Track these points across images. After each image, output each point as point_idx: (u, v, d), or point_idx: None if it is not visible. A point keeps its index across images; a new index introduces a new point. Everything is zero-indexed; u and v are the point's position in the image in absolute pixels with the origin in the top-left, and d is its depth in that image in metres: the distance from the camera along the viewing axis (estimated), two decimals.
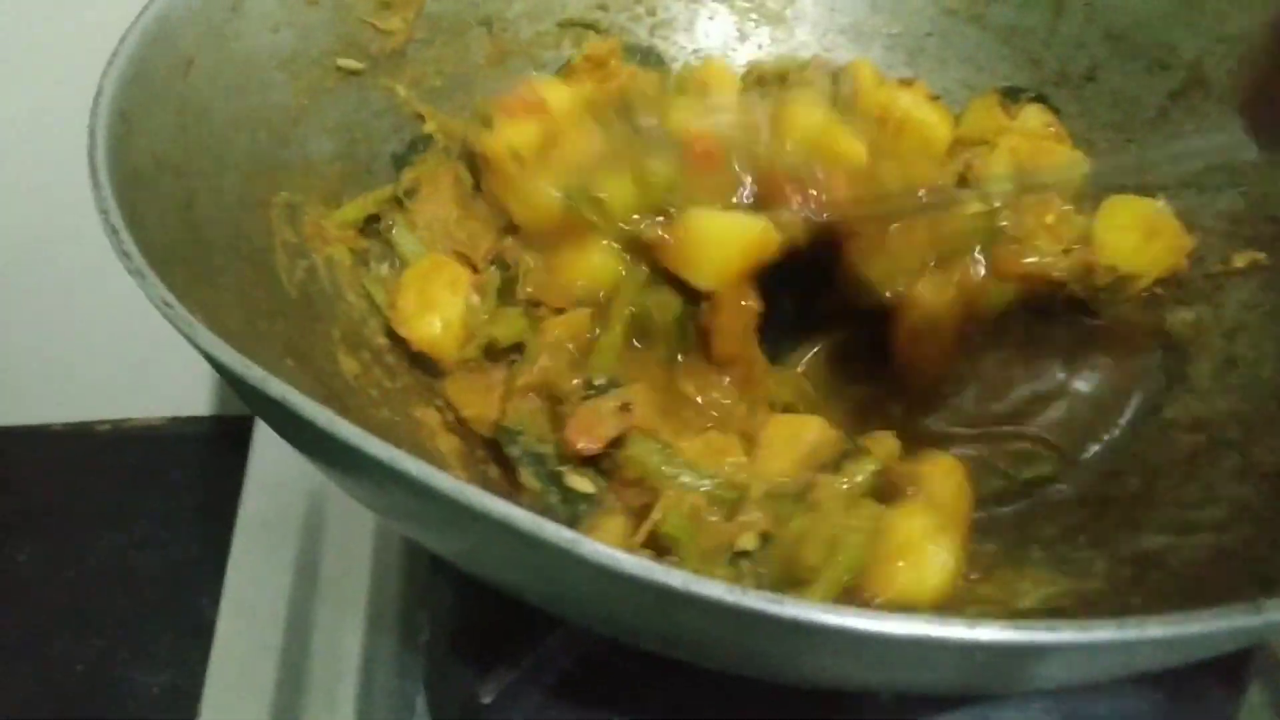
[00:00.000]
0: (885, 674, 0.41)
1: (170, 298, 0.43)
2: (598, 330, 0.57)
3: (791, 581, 0.49)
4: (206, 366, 1.36)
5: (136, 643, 1.08)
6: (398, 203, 0.70)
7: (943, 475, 0.52)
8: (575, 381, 0.53)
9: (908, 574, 0.49)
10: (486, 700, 0.56)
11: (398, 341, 0.66)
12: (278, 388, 0.38)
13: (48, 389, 1.24)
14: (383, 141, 0.75)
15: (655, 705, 0.60)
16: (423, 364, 0.65)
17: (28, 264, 1.11)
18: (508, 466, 0.56)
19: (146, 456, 1.24)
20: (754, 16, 0.88)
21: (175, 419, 1.26)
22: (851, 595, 0.50)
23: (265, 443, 0.79)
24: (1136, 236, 0.69)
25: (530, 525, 0.33)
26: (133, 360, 1.20)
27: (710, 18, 0.87)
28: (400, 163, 0.74)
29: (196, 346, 0.42)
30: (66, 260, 1.10)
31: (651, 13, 0.86)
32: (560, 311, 0.59)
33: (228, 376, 0.42)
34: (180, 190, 0.57)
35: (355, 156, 0.73)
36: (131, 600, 1.10)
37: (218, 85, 0.63)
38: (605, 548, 0.32)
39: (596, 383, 0.52)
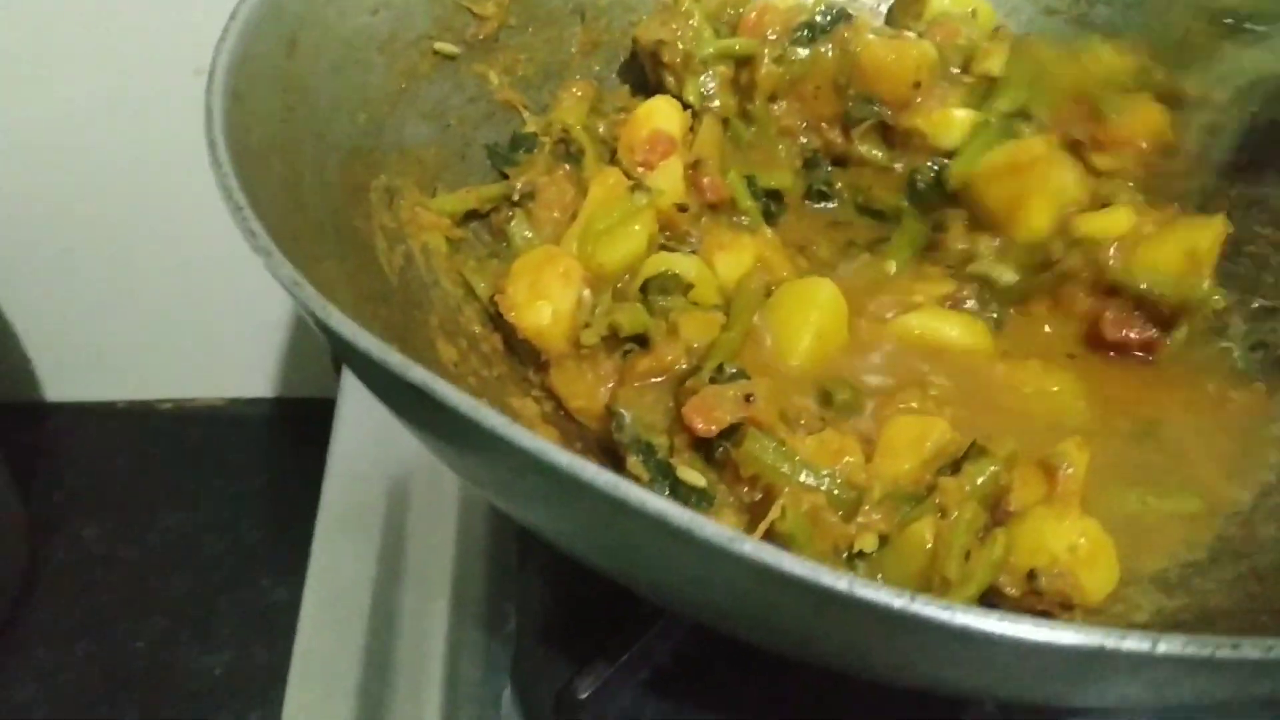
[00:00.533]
0: (1039, 686, 0.40)
1: (299, 277, 0.43)
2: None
3: (915, 584, 0.48)
4: (267, 349, 1.38)
5: (198, 623, 1.08)
6: (511, 202, 0.69)
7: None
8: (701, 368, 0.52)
9: (1083, 576, 0.48)
10: (583, 696, 0.55)
11: (494, 329, 0.65)
12: (419, 375, 0.37)
13: (111, 367, 1.25)
14: (475, 128, 0.75)
15: (750, 702, 0.59)
16: (520, 354, 0.64)
17: (94, 244, 1.11)
18: (611, 459, 0.55)
19: (208, 437, 1.24)
20: None
21: (236, 400, 1.27)
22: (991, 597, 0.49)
23: (347, 429, 0.79)
24: None
25: (687, 522, 0.32)
26: (195, 341, 1.21)
27: None
28: (502, 160, 0.73)
29: (324, 327, 0.42)
30: (132, 240, 1.10)
31: None
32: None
33: (356, 359, 0.41)
34: (288, 171, 0.56)
35: (449, 142, 0.73)
36: (193, 581, 1.10)
37: (319, 66, 0.62)
38: (767, 548, 0.31)
39: (727, 370, 0.51)
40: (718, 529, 0.33)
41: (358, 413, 0.80)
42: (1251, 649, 0.35)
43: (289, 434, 1.19)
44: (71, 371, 1.25)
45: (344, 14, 0.65)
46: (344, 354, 0.43)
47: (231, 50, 0.55)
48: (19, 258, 1.12)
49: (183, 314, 1.18)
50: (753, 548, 0.32)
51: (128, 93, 0.98)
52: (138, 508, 1.18)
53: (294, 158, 0.58)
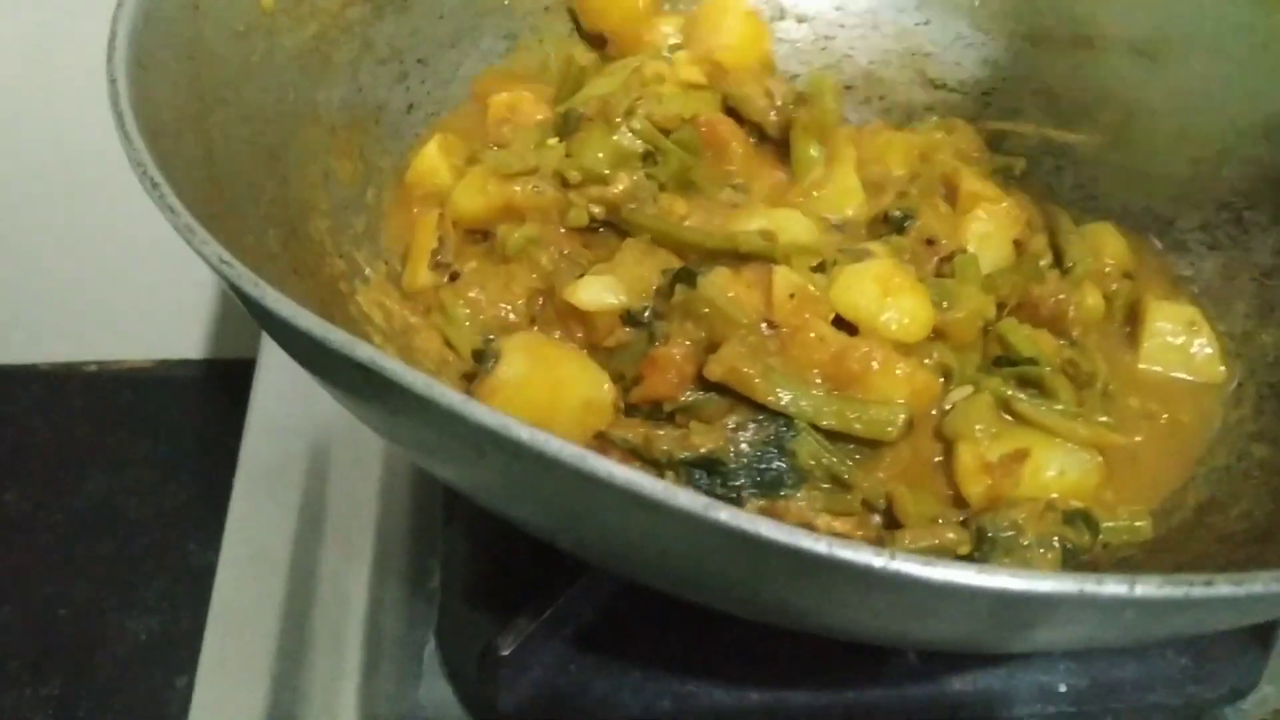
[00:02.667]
0: (1012, 634, 0.42)
1: (228, 255, 0.43)
2: None
3: None
4: (195, 309, 1.36)
5: (124, 587, 1.08)
6: None
7: None
8: None
9: None
10: (505, 652, 0.57)
11: None
12: (365, 351, 0.38)
13: (33, 329, 1.23)
14: (388, 90, 0.74)
15: (675, 657, 0.61)
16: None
17: (15, 204, 1.09)
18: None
19: (135, 399, 1.23)
20: None
21: (164, 361, 1.25)
22: None
23: (267, 388, 0.79)
24: None
25: (660, 493, 0.33)
26: (121, 302, 1.19)
27: None
28: None
29: (256, 305, 0.42)
30: (55, 199, 1.08)
31: None
32: None
33: (290, 337, 0.42)
34: (198, 139, 0.56)
35: (362, 104, 0.72)
36: (119, 544, 1.10)
37: (224, 30, 0.62)
38: (744, 515, 0.33)
39: None
40: (691, 497, 0.34)
41: (278, 369, 0.80)
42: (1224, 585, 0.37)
43: (218, 395, 1.19)
44: None
45: None
46: (275, 331, 0.43)
47: (132, 15, 0.54)
48: None
49: (108, 274, 1.16)
50: (729, 515, 0.33)
51: (40, 51, 0.96)
52: (61, 471, 1.17)
53: (204, 127, 0.57)
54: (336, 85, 0.70)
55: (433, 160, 0.71)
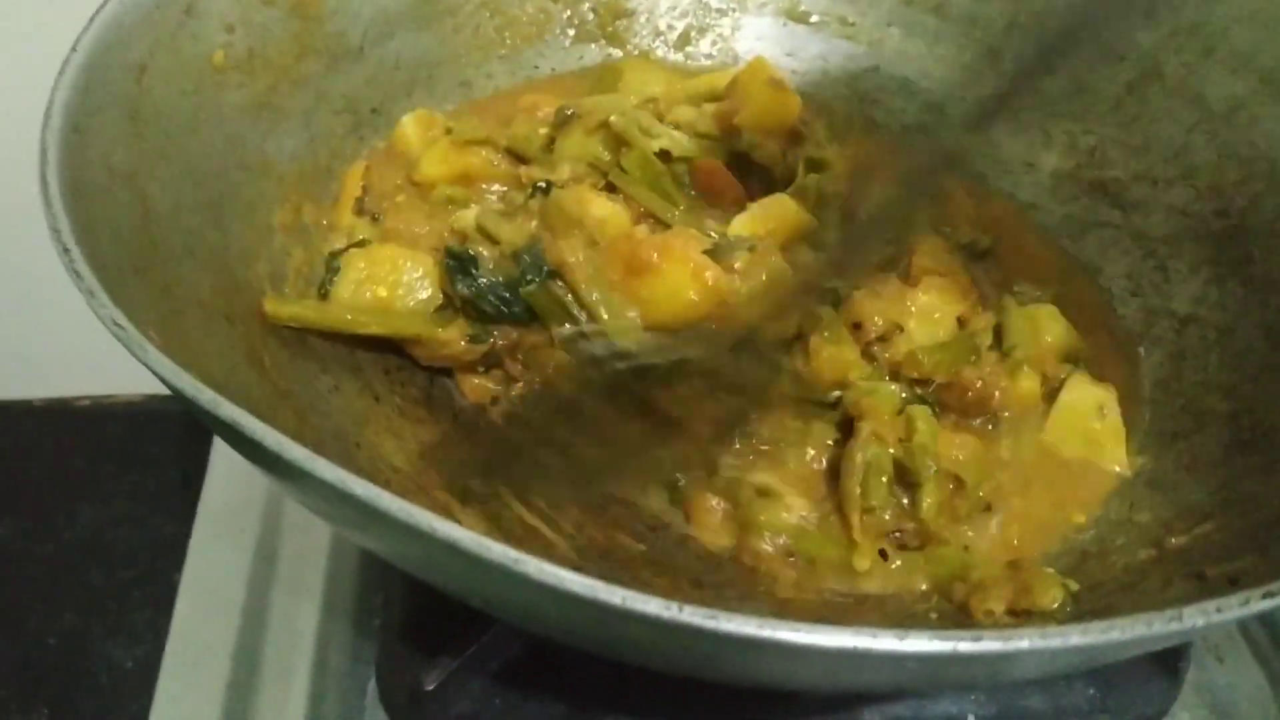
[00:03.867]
0: (830, 679, 0.43)
1: (122, 318, 0.45)
2: None
3: None
4: None
5: (111, 617, 1.10)
6: None
7: None
8: None
9: None
10: (429, 688, 0.59)
11: None
12: (228, 411, 0.40)
13: (28, 365, 1.26)
14: (342, 140, 0.77)
15: (599, 692, 0.62)
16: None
17: (7, 241, 1.12)
18: None
19: (125, 433, 1.25)
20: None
21: (154, 396, 1.28)
22: None
23: None
24: None
25: (474, 546, 0.35)
26: (111, 337, 1.22)
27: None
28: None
29: (149, 367, 0.44)
30: (42, 236, 1.11)
31: None
32: None
33: (178, 396, 0.44)
34: (134, 197, 0.58)
35: (314, 155, 0.75)
36: (107, 575, 1.12)
37: (172, 89, 0.64)
38: (550, 567, 0.35)
39: None
40: (504, 550, 0.37)
41: None
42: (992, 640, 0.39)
43: (204, 429, 1.21)
44: None
45: (197, 37, 0.67)
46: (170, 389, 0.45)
47: (72, 84, 0.56)
48: None
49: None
50: (537, 567, 0.36)
51: (24, 87, 0.99)
52: (53, 504, 1.19)
53: (144, 184, 0.60)
54: (288, 136, 0.73)
55: (406, 131, 0.78)
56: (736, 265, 0.64)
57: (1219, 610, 0.38)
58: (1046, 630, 0.38)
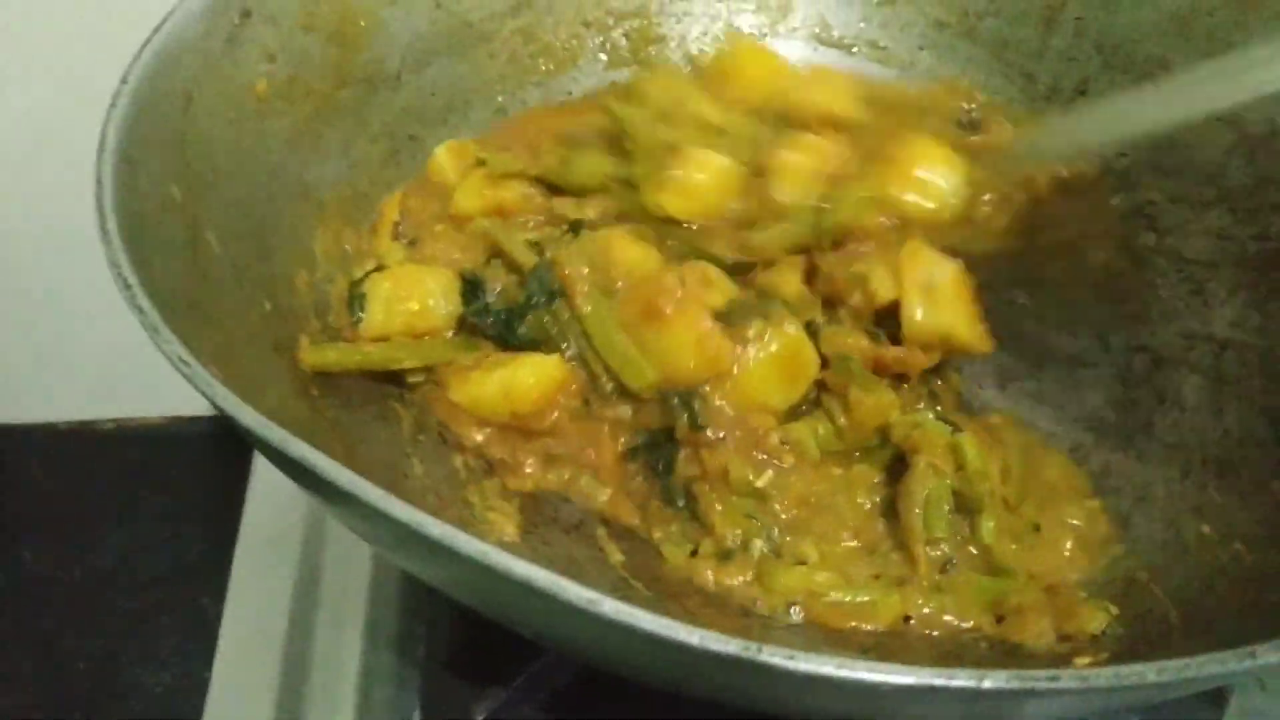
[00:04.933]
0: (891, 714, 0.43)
1: (187, 354, 0.45)
2: None
3: None
4: None
5: (140, 641, 1.10)
6: None
7: None
8: None
9: None
10: (479, 719, 0.58)
11: None
12: (297, 449, 0.40)
13: (51, 388, 1.26)
14: (380, 167, 0.77)
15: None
16: None
17: (30, 264, 1.13)
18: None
19: (148, 455, 1.26)
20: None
21: (176, 418, 1.28)
22: None
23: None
24: None
25: (550, 585, 0.36)
26: (134, 360, 1.22)
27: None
28: None
29: (213, 403, 0.44)
30: (68, 260, 1.12)
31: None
32: None
33: (243, 431, 0.44)
34: (185, 228, 0.59)
35: (353, 181, 0.75)
36: (134, 599, 1.12)
37: (217, 118, 0.65)
38: (626, 607, 0.35)
39: None
40: (579, 591, 0.37)
41: None
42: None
43: (227, 451, 1.21)
44: (12, 394, 1.26)
45: (239, 65, 0.67)
46: (230, 422, 0.46)
47: (124, 115, 0.57)
48: None
49: (122, 334, 1.19)
50: (613, 607, 0.36)
51: (65, 116, 1.00)
52: (79, 528, 1.19)
53: (193, 214, 0.60)
54: (328, 164, 0.73)
55: (440, 161, 0.78)
56: (749, 333, 0.64)
57: None
58: (1120, 669, 0.38)
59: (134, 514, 1.21)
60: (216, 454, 1.26)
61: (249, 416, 0.42)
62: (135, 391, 1.27)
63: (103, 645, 1.10)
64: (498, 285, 0.70)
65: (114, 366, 1.25)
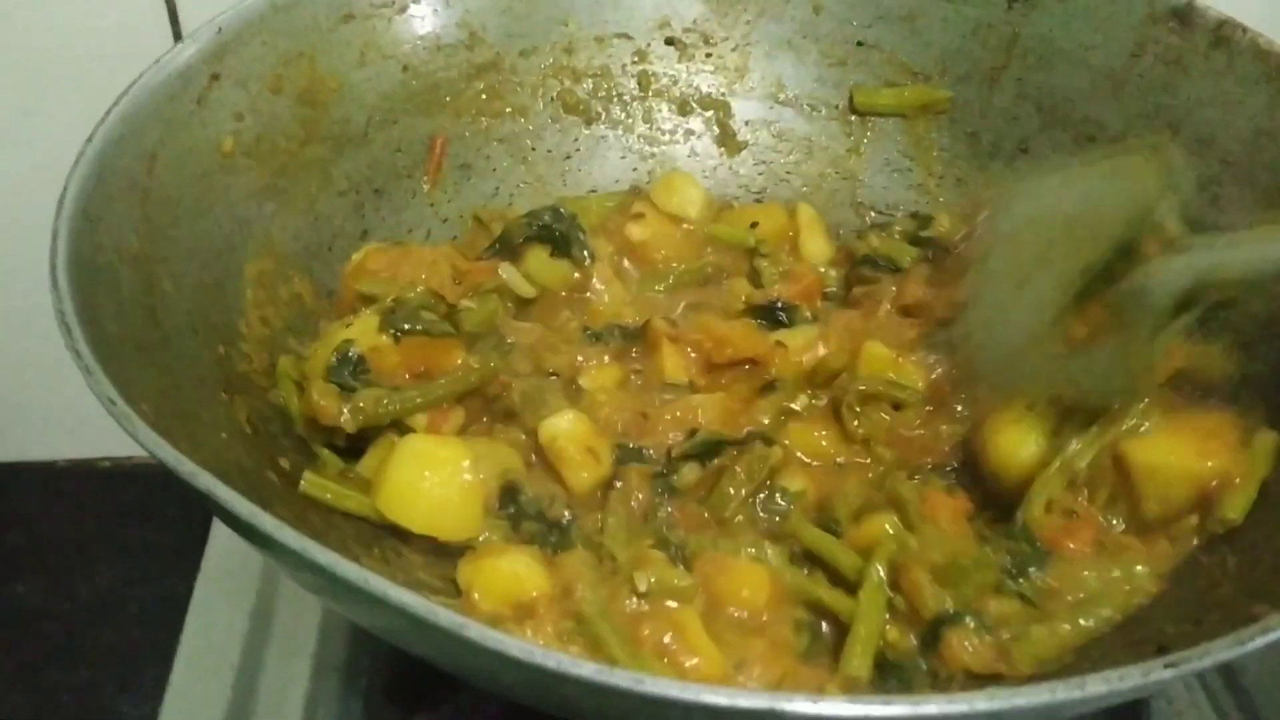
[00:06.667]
0: None
1: (115, 394, 0.49)
2: None
3: None
4: None
5: (122, 674, 1.13)
6: None
7: None
8: None
9: None
10: None
11: None
12: (205, 480, 0.44)
13: (52, 427, 1.30)
14: (344, 220, 0.81)
15: None
16: None
17: (35, 306, 1.17)
18: None
19: (143, 493, 1.29)
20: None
21: None
22: None
23: None
24: None
25: (424, 611, 0.39)
26: None
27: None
28: None
29: (136, 440, 0.48)
30: None
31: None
32: None
33: (162, 466, 0.48)
34: (141, 278, 0.62)
35: (318, 231, 0.79)
36: (120, 633, 1.15)
37: (182, 174, 0.69)
38: (491, 632, 0.38)
39: None
40: (450, 615, 0.40)
41: None
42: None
43: None
44: (13, 431, 1.31)
45: (206, 124, 0.71)
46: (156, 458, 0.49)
47: (84, 175, 0.61)
48: None
49: None
50: (479, 631, 0.39)
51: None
52: (71, 563, 1.23)
53: (151, 266, 0.64)
54: (293, 217, 0.77)
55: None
56: None
57: (1120, 679, 0.41)
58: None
59: (125, 550, 1.24)
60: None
61: (165, 452, 0.46)
62: None
63: (87, 677, 1.12)
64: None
65: None
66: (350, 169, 0.82)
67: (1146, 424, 0.66)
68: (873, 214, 0.91)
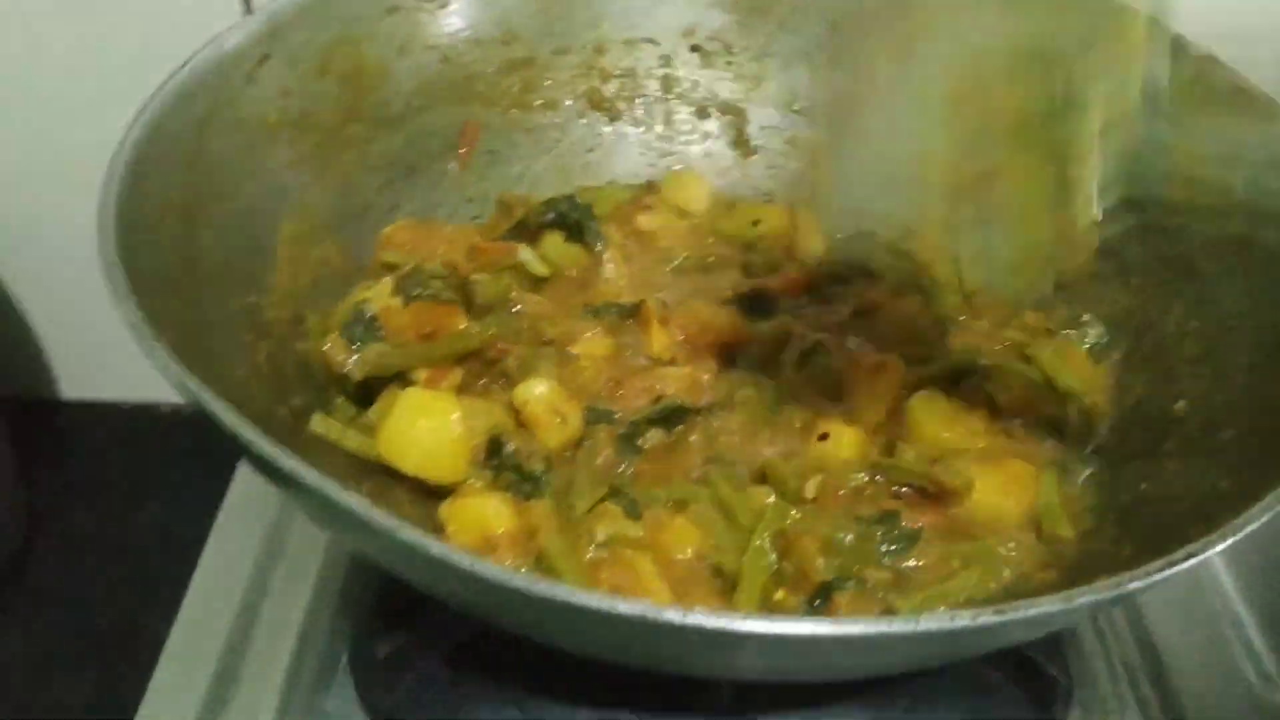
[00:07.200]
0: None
1: (138, 320, 0.57)
2: None
3: None
4: None
5: (163, 602, 1.22)
6: None
7: None
8: None
9: None
10: (381, 655, 0.70)
11: None
12: (207, 398, 0.53)
13: (121, 371, 1.40)
14: (377, 193, 0.89)
15: (526, 678, 0.73)
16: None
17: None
18: None
19: (197, 437, 1.38)
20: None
21: None
22: None
23: None
24: None
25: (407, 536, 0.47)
26: None
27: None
28: None
29: (154, 365, 0.56)
30: None
31: None
32: None
33: (175, 387, 0.56)
34: (181, 228, 0.70)
35: (350, 202, 0.87)
36: (165, 564, 1.24)
37: (229, 142, 0.77)
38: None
39: None
40: (419, 537, 0.48)
41: None
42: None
43: None
44: (86, 373, 1.41)
45: (255, 99, 0.79)
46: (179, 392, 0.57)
47: (139, 134, 0.68)
48: (46, 269, 1.28)
49: None
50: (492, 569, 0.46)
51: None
52: (129, 497, 1.32)
53: (193, 218, 0.72)
54: (328, 188, 0.85)
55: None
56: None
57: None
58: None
59: (176, 488, 1.33)
60: None
61: (173, 371, 0.53)
62: None
63: (130, 601, 1.21)
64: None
65: None
66: (385, 148, 0.89)
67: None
68: (868, 222, 0.96)
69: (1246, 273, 0.75)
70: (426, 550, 0.47)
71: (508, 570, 0.47)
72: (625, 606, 0.45)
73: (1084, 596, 0.47)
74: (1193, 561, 0.49)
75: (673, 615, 0.45)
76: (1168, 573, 0.48)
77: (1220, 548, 0.50)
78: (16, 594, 1.21)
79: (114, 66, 1.05)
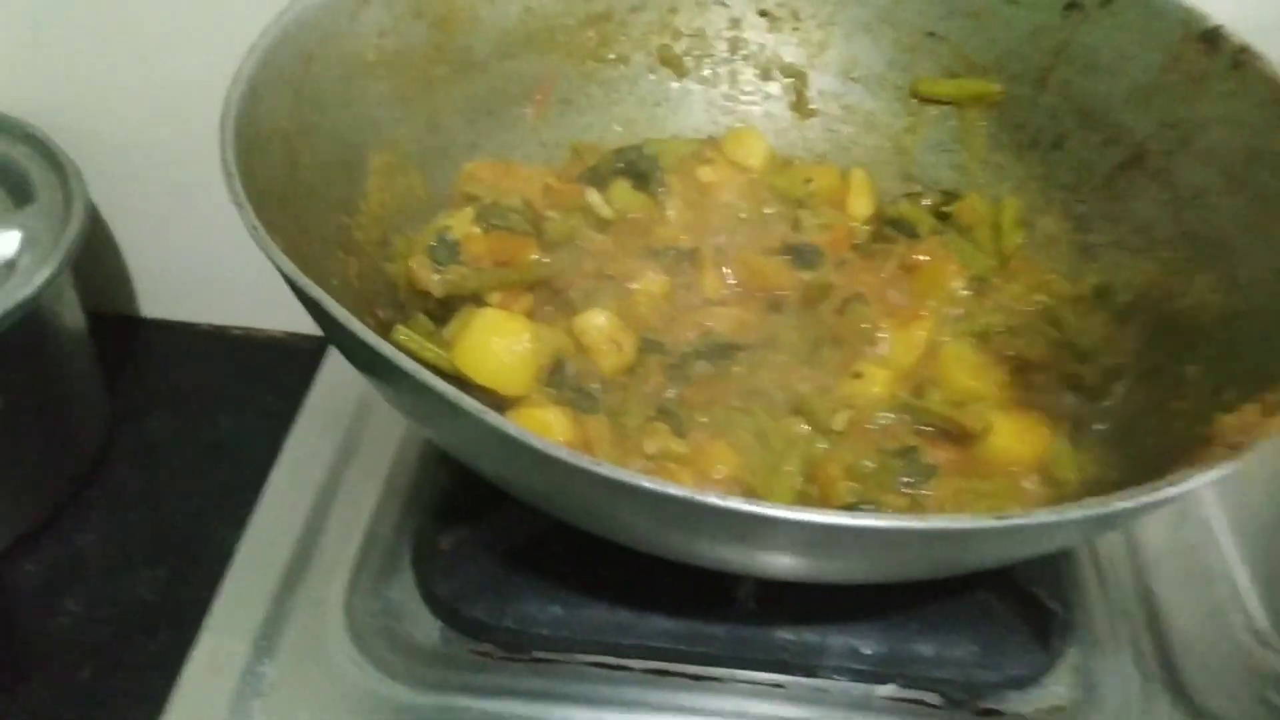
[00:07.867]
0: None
1: (259, 224, 0.64)
2: None
3: None
4: None
5: (229, 509, 1.29)
6: None
7: None
8: None
9: None
10: (444, 548, 0.77)
11: None
12: (315, 291, 0.59)
13: (199, 294, 1.49)
14: (460, 132, 0.96)
15: (571, 578, 0.80)
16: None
17: (203, 186, 1.34)
18: None
19: (266, 360, 1.47)
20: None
21: (293, 334, 1.50)
22: None
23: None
24: None
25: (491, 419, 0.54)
26: (267, 281, 1.44)
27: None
28: None
29: (270, 260, 0.63)
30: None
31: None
32: None
33: (297, 293, 0.63)
34: (286, 150, 0.77)
35: (434, 138, 0.94)
36: (232, 474, 1.32)
37: (330, 75, 0.84)
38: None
39: None
40: (522, 430, 0.54)
41: None
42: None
43: (331, 365, 1.40)
44: (166, 294, 1.49)
45: (355, 36, 0.86)
46: (290, 285, 0.64)
47: (256, 60, 0.75)
48: (136, 198, 1.36)
49: (260, 260, 1.41)
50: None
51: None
52: (200, 411, 1.39)
53: (295, 142, 0.79)
54: (414, 123, 0.92)
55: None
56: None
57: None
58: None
59: (245, 405, 1.41)
60: (318, 365, 1.45)
61: (289, 268, 0.61)
62: (263, 307, 1.48)
63: (199, 506, 1.29)
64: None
65: (250, 283, 1.45)
66: (469, 90, 0.96)
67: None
68: (917, 186, 1.02)
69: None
70: (505, 430, 0.53)
71: (575, 452, 0.53)
72: (674, 489, 0.52)
73: (1074, 511, 0.53)
74: (1174, 490, 0.55)
75: (713, 499, 0.52)
76: (1154, 496, 0.54)
77: (1201, 481, 0.56)
78: (95, 492, 1.29)
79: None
